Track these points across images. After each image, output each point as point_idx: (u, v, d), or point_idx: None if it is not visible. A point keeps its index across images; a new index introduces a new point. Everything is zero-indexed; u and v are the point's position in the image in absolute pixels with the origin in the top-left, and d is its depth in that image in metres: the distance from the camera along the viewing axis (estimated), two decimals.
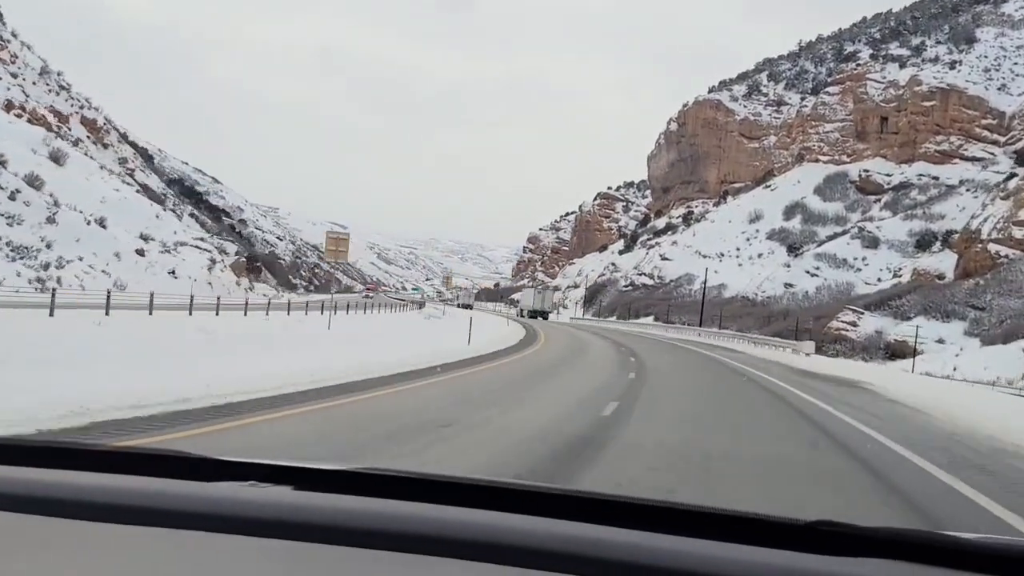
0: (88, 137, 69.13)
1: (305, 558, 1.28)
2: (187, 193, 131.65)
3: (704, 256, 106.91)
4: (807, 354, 38.72)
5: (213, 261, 59.88)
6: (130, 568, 1.25)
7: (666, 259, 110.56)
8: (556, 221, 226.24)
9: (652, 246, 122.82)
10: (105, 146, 72.33)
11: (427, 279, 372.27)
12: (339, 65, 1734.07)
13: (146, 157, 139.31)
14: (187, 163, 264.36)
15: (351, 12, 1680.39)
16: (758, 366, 29.21)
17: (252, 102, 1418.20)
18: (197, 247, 60.17)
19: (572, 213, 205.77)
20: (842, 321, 55.26)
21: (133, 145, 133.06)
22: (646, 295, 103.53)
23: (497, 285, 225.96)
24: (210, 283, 53.61)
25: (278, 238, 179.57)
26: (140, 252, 52.72)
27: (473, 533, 1.32)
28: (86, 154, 61.36)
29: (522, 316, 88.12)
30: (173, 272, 52.18)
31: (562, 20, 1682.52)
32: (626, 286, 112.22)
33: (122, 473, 1.60)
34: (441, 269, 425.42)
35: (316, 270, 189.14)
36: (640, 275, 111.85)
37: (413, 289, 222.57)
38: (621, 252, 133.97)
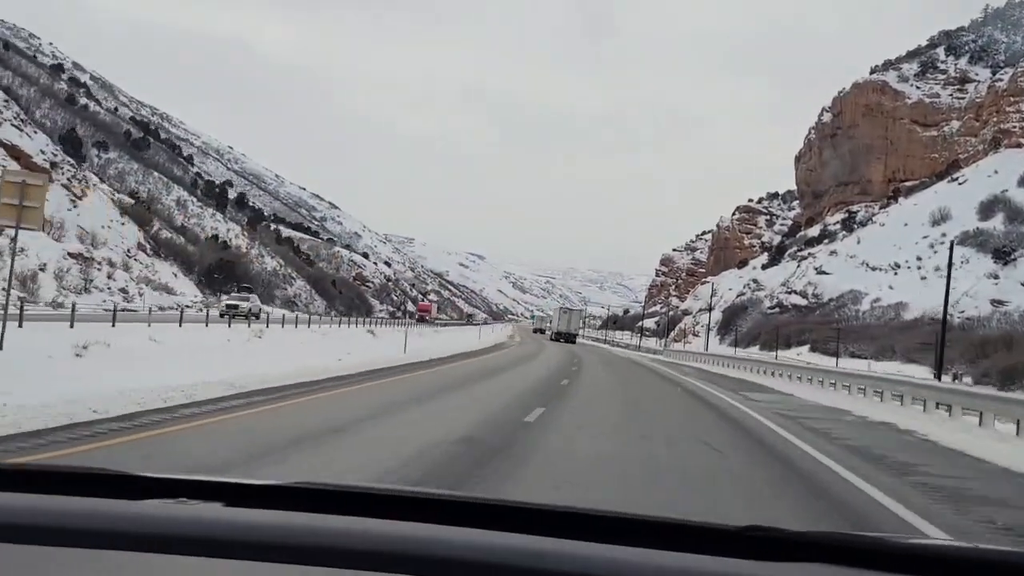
0: None
1: None
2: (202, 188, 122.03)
3: (873, 268, 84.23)
4: None
5: None
6: None
7: (823, 272, 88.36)
8: (692, 241, 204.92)
9: (804, 258, 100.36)
10: None
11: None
12: (478, 98, 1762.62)
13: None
14: (304, 188, 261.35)
15: (494, 48, 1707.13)
16: None
17: (395, 138, 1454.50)
18: None
19: (709, 232, 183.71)
20: None
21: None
22: (798, 318, 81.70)
23: (627, 312, 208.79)
24: None
25: (386, 263, 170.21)
26: None
27: (407, 547, 1.27)
28: None
29: (552, 339, 79.07)
30: None
31: (697, 40, 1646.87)
32: (771, 308, 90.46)
33: (40, 493, 1.48)
34: (579, 298, 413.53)
35: (428, 296, 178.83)
36: (789, 293, 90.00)
37: (531, 317, 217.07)
38: (764, 267, 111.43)
